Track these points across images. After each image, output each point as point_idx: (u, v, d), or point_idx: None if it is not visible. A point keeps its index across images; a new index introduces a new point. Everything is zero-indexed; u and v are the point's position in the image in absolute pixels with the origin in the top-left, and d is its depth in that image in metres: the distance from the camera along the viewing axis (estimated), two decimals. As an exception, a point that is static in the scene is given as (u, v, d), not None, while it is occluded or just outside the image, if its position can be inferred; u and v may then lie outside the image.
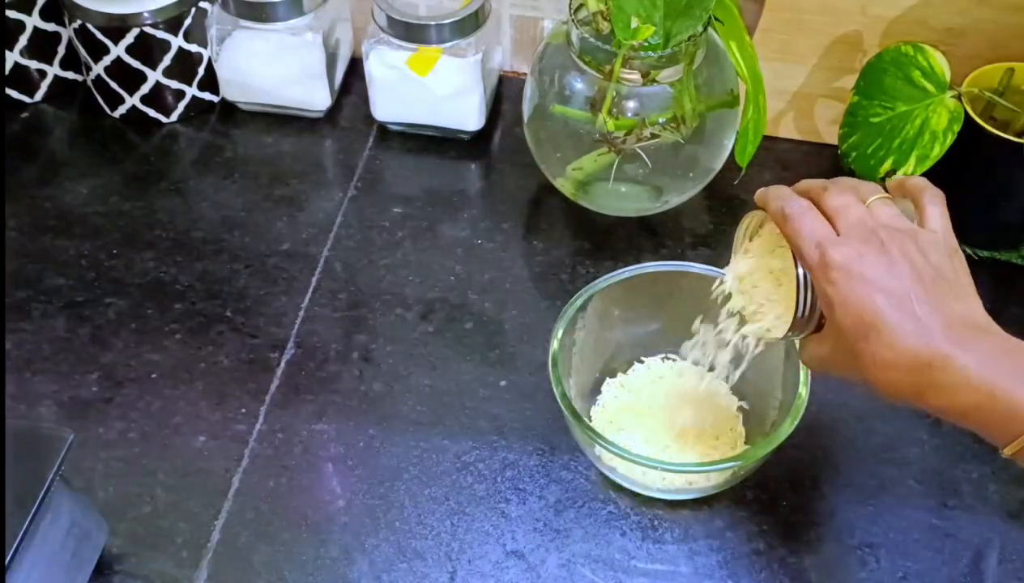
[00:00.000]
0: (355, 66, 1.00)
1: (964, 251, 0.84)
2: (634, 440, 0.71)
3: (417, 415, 0.76)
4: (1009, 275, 0.84)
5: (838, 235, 0.56)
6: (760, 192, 0.61)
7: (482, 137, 0.95)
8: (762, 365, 0.72)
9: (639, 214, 0.87)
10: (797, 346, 0.62)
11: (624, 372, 0.76)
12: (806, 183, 0.60)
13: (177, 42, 0.92)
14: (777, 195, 0.59)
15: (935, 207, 0.58)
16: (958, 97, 0.78)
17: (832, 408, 0.75)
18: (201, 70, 0.95)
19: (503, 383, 0.77)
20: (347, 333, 0.80)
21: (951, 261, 0.56)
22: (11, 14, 0.92)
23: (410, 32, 0.88)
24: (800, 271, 0.58)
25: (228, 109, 0.98)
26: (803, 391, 0.67)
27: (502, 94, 0.99)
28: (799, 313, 0.58)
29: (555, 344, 0.70)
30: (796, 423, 0.66)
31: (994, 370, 0.51)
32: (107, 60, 0.92)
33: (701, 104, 0.79)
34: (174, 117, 0.97)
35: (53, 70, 0.97)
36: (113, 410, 0.76)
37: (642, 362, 0.76)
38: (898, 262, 0.54)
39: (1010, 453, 0.51)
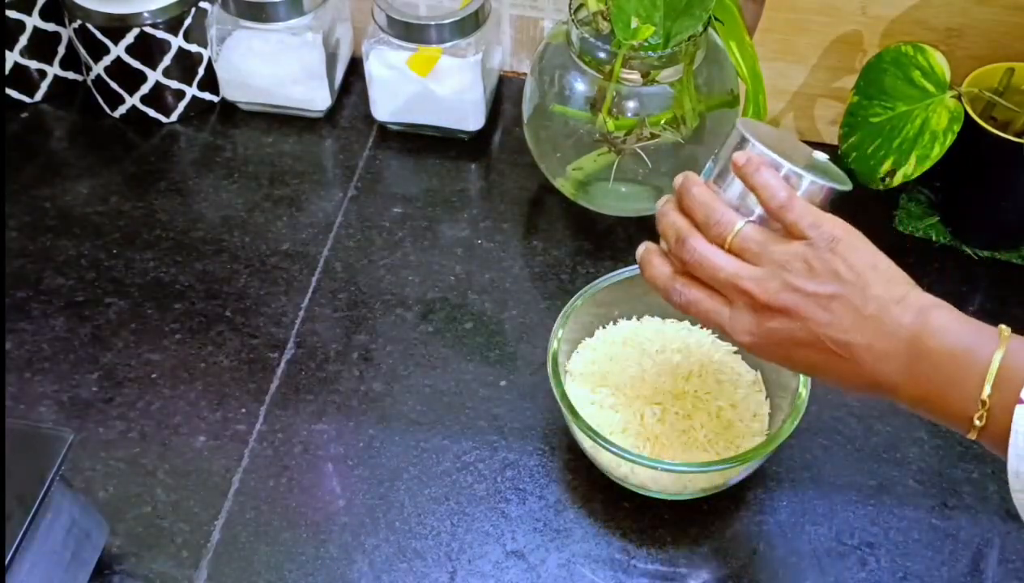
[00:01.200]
0: (355, 66, 1.00)
1: (964, 251, 0.85)
2: (632, 437, 0.71)
3: (417, 415, 0.76)
4: (1009, 275, 0.84)
5: (729, 306, 0.56)
6: (643, 267, 0.60)
7: (482, 137, 0.95)
8: (773, 364, 0.72)
9: (639, 214, 0.87)
10: None
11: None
12: (669, 237, 0.59)
13: (177, 42, 0.92)
14: (656, 279, 0.59)
15: (791, 211, 0.55)
16: (958, 97, 0.78)
17: (832, 408, 0.75)
18: (201, 70, 0.95)
19: (503, 383, 0.77)
20: (347, 333, 0.80)
21: (835, 259, 0.53)
22: (11, 14, 0.92)
23: (410, 32, 0.88)
24: None
25: (228, 109, 0.98)
26: (803, 391, 0.67)
27: (502, 94, 0.99)
28: None
29: (555, 344, 0.70)
30: (796, 423, 0.66)
31: (918, 383, 0.52)
32: (107, 60, 0.92)
33: (701, 104, 0.79)
34: (174, 117, 0.97)
35: (53, 70, 0.97)
36: (113, 410, 0.76)
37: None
38: (793, 313, 0.54)
39: (973, 438, 0.52)
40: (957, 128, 0.77)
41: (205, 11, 0.92)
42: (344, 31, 0.98)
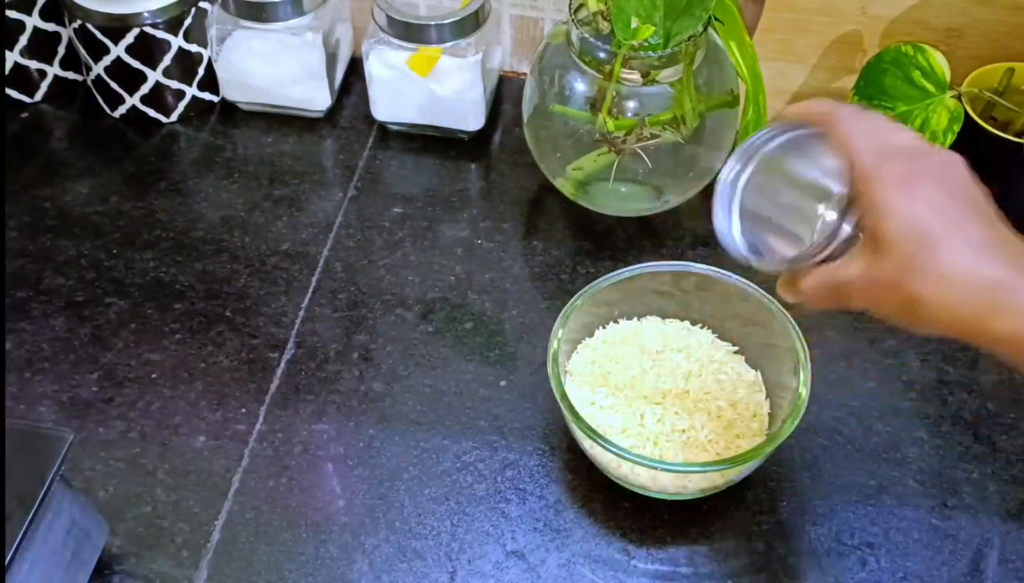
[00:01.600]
0: (355, 66, 1.00)
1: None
2: (632, 437, 0.71)
3: (417, 415, 0.76)
4: (1009, 275, 0.84)
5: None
6: (796, 106, 0.58)
7: (482, 137, 0.95)
8: (773, 364, 0.72)
9: (639, 214, 0.87)
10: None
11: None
12: (823, 106, 0.57)
13: (177, 42, 0.92)
14: (819, 101, 0.57)
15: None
16: (958, 97, 0.78)
17: (832, 408, 0.75)
18: (201, 70, 0.95)
19: (503, 383, 0.77)
20: (347, 333, 0.80)
21: (979, 187, 0.54)
22: (11, 14, 0.92)
23: (410, 32, 0.88)
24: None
25: (228, 109, 0.98)
26: (803, 391, 0.67)
27: (502, 94, 0.99)
28: (810, 252, 0.56)
29: (555, 344, 0.70)
30: (796, 423, 0.66)
31: None
32: (107, 60, 0.92)
33: (701, 104, 0.79)
34: (174, 117, 0.97)
35: (53, 70, 0.97)
36: (113, 410, 0.76)
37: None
38: (948, 187, 0.52)
39: None
40: (957, 128, 0.77)
41: (205, 11, 0.92)
42: (344, 31, 0.98)
